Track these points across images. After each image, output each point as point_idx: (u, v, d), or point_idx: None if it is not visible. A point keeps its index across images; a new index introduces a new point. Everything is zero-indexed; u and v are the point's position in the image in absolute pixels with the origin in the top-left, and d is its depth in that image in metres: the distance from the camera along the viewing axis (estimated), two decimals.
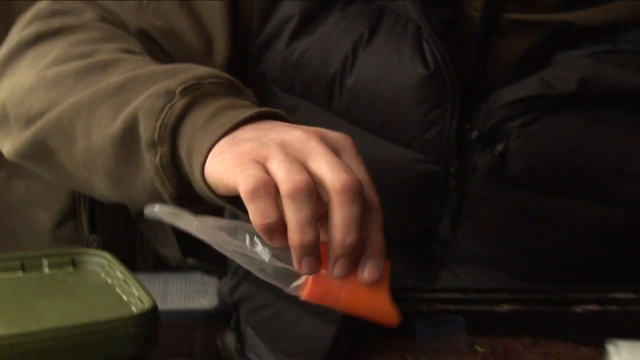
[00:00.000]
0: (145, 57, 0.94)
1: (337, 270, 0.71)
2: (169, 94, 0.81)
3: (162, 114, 0.80)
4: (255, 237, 0.73)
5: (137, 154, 0.83)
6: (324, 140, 0.72)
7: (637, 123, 0.95)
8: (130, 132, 0.83)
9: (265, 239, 0.70)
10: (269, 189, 0.69)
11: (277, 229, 0.69)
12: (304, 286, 0.72)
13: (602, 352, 0.71)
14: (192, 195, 0.81)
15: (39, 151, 0.92)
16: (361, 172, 0.73)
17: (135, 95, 0.84)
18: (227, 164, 0.73)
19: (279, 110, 0.79)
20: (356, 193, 0.69)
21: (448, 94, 0.95)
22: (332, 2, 1.00)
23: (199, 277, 1.68)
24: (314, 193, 0.69)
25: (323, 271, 0.71)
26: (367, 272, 0.72)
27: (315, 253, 0.70)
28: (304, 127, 0.75)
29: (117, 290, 1.21)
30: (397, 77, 0.96)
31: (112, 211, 1.94)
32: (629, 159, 0.95)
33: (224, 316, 1.21)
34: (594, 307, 0.81)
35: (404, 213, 0.99)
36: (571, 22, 0.95)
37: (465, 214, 0.99)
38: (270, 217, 0.68)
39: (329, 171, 0.70)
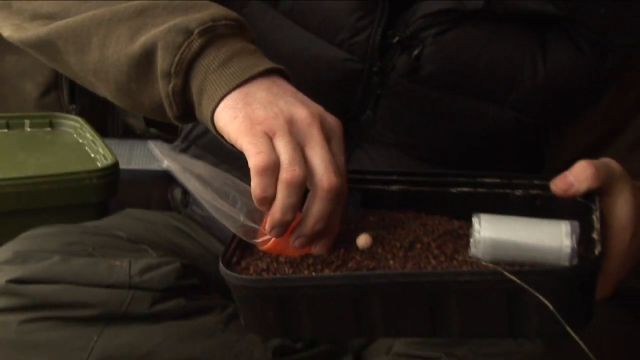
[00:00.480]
0: None
1: (297, 243, 0.72)
2: (188, 32, 0.77)
3: (181, 50, 0.77)
4: (238, 196, 0.74)
5: (151, 75, 0.81)
6: (323, 126, 0.72)
7: (530, 40, 0.94)
8: (147, 57, 0.80)
9: (256, 204, 0.70)
10: (275, 170, 0.69)
11: (271, 202, 0.69)
12: (265, 242, 0.73)
13: (469, 225, 0.72)
14: (192, 117, 0.80)
15: (47, 48, 0.88)
16: (342, 162, 0.73)
17: (153, 22, 0.81)
18: (239, 125, 0.72)
19: (283, 67, 0.77)
20: (337, 194, 0.70)
21: (378, 6, 0.94)
22: None
23: (159, 144, 1.68)
24: (304, 185, 0.70)
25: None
26: (319, 247, 0.73)
27: (286, 227, 0.71)
28: (310, 105, 0.74)
29: (86, 148, 1.23)
30: None
31: None
32: (520, 69, 0.94)
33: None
34: (466, 189, 0.83)
35: (332, 101, 0.96)
36: None
37: (383, 105, 0.99)
38: (269, 192, 0.69)
39: (322, 168, 0.70)
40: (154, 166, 1.57)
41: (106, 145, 1.18)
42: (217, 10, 0.80)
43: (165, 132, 1.81)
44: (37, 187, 1.10)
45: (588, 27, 0.92)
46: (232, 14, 0.80)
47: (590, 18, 0.92)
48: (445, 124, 0.99)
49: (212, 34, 0.77)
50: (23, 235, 0.97)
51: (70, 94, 1.98)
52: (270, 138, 0.69)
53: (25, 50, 1.37)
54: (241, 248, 0.74)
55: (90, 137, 1.22)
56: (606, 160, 0.79)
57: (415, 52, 0.94)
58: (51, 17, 0.86)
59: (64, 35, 0.85)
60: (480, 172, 0.83)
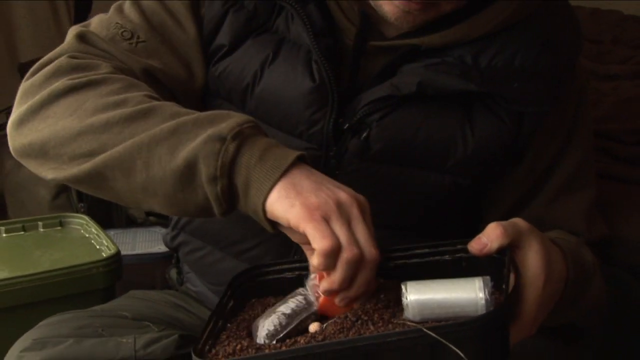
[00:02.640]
0: (170, 102, 0.88)
1: (343, 303, 0.75)
2: (222, 139, 0.77)
3: (220, 155, 0.77)
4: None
5: (195, 184, 0.80)
6: (360, 205, 0.76)
7: (459, 114, 0.95)
8: (190, 169, 0.79)
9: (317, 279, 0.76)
10: (337, 252, 0.72)
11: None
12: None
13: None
14: (234, 209, 0.81)
15: (93, 180, 0.85)
16: (373, 234, 0.76)
17: (187, 137, 0.80)
18: (299, 213, 0.73)
19: (303, 153, 0.79)
20: (377, 263, 0.74)
21: (328, 100, 0.94)
22: (249, 34, 0.99)
23: (158, 230, 1.70)
24: (360, 261, 0.73)
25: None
26: (359, 303, 0.75)
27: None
28: (345, 188, 0.77)
29: (92, 242, 1.22)
30: (292, 87, 0.95)
31: None
32: (452, 140, 0.95)
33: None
34: (401, 262, 0.83)
35: None
36: (418, 44, 0.94)
37: (342, 183, 0.99)
38: (331, 269, 0.72)
39: (366, 243, 0.73)
40: (155, 250, 1.58)
41: (109, 237, 1.18)
42: (238, 116, 0.80)
43: (163, 218, 1.82)
44: (52, 280, 1.10)
45: (505, 99, 0.93)
46: (249, 117, 0.80)
47: (506, 91, 0.93)
48: (397, 193, 0.98)
49: (242, 136, 0.77)
50: (40, 323, 0.95)
51: (78, 194, 1.97)
52: (327, 222, 0.72)
53: None
54: (213, 337, 0.75)
55: (95, 232, 1.21)
56: (514, 220, 0.79)
57: (364, 135, 0.94)
58: (91, 154, 0.83)
59: (110, 165, 0.82)
60: (411, 245, 0.83)
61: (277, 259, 0.95)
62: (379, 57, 0.96)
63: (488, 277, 0.70)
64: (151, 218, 1.76)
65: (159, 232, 1.68)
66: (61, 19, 2.62)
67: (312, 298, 0.76)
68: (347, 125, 0.94)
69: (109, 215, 1.95)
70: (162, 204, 0.83)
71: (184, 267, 1.15)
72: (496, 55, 0.93)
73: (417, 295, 0.70)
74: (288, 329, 0.74)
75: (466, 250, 0.78)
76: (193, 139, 0.79)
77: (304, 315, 0.75)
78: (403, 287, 0.71)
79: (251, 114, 0.97)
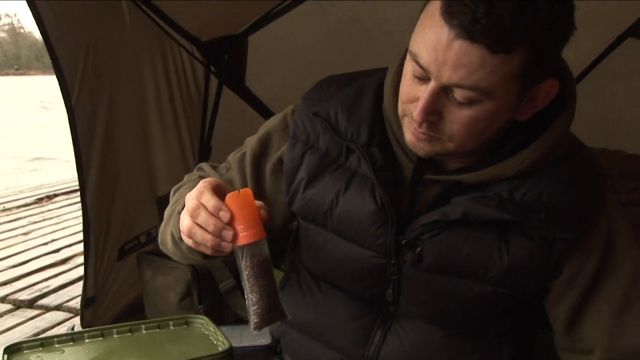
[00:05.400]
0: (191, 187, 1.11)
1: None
2: (178, 212, 1.04)
3: (177, 225, 1.02)
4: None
5: (178, 246, 1.06)
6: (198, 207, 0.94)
7: (495, 236, 0.97)
8: (173, 238, 1.06)
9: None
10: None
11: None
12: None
13: None
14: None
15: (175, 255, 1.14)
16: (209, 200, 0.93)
17: (171, 221, 1.08)
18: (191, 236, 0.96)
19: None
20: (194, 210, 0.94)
21: (388, 219, 0.99)
22: (323, 168, 1.05)
23: None
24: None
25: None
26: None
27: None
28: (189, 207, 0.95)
29: (211, 337, 1.26)
30: (360, 209, 1.00)
31: (211, 292, 1.99)
32: (490, 256, 0.97)
33: (275, 348, 1.24)
34: None
35: (367, 286, 1.02)
36: (460, 181, 0.98)
37: (402, 287, 1.02)
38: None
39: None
40: (258, 342, 1.61)
41: (224, 335, 1.22)
42: (190, 190, 0.99)
43: None
44: None
45: (533, 227, 0.96)
46: (207, 179, 0.99)
47: (534, 221, 0.95)
48: (447, 298, 1.01)
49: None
50: None
51: (198, 298, 2.06)
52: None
53: (169, 271, 1.53)
54: None
55: (213, 330, 1.26)
56: None
57: (418, 249, 0.99)
58: (163, 244, 1.15)
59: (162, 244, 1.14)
60: None
61: (357, 349, 0.98)
62: (433, 186, 1.02)
63: None
64: None
65: None
66: (188, 160, 2.81)
67: None
68: (404, 241, 0.99)
69: (221, 314, 2.02)
70: (183, 259, 1.12)
71: (285, 355, 1.20)
72: (528, 192, 0.96)
73: None
74: None
75: None
76: (171, 221, 1.07)
77: None
78: None
79: (332, 232, 1.05)
